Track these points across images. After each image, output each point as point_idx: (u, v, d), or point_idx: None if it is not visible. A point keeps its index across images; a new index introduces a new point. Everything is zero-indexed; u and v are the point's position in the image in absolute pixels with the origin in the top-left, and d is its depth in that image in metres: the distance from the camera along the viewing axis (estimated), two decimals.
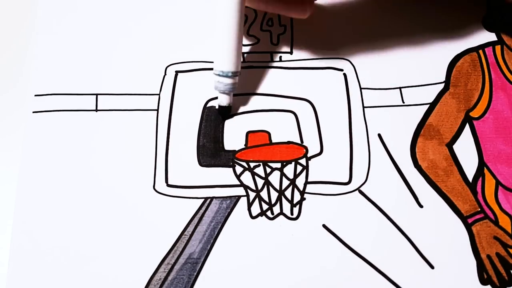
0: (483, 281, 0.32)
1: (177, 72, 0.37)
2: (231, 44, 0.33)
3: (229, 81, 0.34)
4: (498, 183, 0.35)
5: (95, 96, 0.36)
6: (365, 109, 0.37)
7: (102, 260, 0.32)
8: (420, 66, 0.38)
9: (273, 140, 0.36)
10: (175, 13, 0.39)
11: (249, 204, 0.34)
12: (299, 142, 0.36)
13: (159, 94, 0.36)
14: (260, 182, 0.34)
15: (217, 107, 0.36)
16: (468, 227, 0.34)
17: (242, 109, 0.36)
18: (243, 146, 0.35)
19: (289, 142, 0.36)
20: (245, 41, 0.38)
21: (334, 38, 0.38)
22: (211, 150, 0.35)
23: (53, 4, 0.39)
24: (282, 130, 0.36)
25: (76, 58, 0.37)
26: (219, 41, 0.34)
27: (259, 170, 0.35)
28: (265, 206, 0.34)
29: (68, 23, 0.38)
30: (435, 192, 0.34)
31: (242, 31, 0.34)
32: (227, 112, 0.36)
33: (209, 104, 0.36)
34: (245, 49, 0.38)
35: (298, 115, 0.36)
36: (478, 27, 0.39)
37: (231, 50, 0.34)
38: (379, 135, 0.36)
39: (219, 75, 0.34)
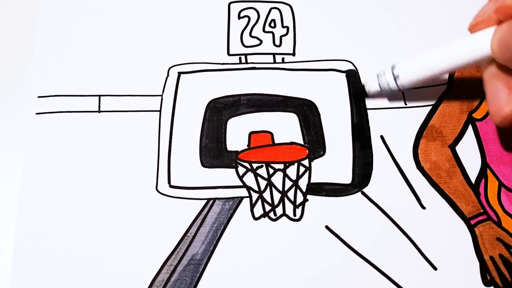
0: (486, 282, 0.32)
1: (179, 73, 0.37)
2: (428, 72, 0.33)
3: (395, 88, 0.35)
4: (501, 184, 0.35)
5: (97, 97, 0.36)
6: (367, 110, 0.37)
7: (105, 261, 0.32)
8: None
9: (276, 141, 0.36)
10: (177, 15, 0.39)
11: (252, 205, 0.34)
12: (302, 143, 0.36)
13: (161, 95, 0.36)
14: (263, 183, 0.34)
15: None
16: (471, 228, 0.34)
17: (245, 109, 0.36)
18: (246, 147, 0.35)
19: (292, 143, 0.36)
20: (248, 42, 0.38)
21: (337, 40, 0.38)
22: (213, 151, 0.35)
23: (56, 6, 0.39)
24: (285, 131, 0.36)
25: (78, 59, 0.37)
26: (427, 63, 0.33)
27: (262, 171, 0.35)
28: (267, 207, 0.34)
29: (70, 25, 0.38)
30: (438, 193, 0.34)
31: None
32: (363, 95, 0.37)
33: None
34: (248, 50, 0.38)
35: (301, 116, 0.36)
36: None
37: (423, 75, 0.33)
38: (382, 137, 0.36)
39: (395, 78, 0.34)
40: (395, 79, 0.34)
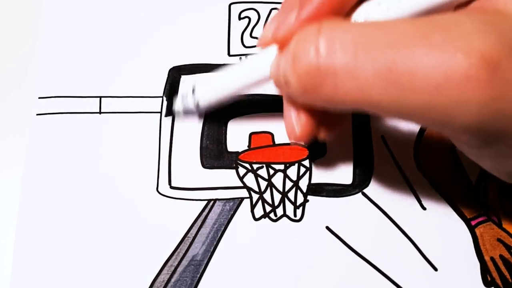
0: (486, 283, 0.32)
1: (180, 74, 0.37)
2: (223, 93, 0.31)
3: (194, 111, 0.33)
4: (501, 185, 0.35)
5: (98, 98, 0.36)
6: None
7: (105, 262, 0.32)
8: None
9: (276, 141, 0.36)
10: (178, 16, 0.39)
11: (252, 206, 0.34)
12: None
13: (162, 97, 0.36)
14: (263, 184, 0.34)
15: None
16: (472, 229, 0.34)
17: (245, 110, 0.36)
18: (246, 148, 0.35)
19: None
20: (249, 43, 0.38)
21: None
22: (214, 152, 0.35)
23: (57, 6, 0.39)
24: (285, 131, 0.36)
25: (79, 60, 0.37)
26: (221, 83, 0.31)
27: (262, 172, 0.35)
28: (268, 208, 0.34)
29: (72, 26, 0.38)
30: (439, 194, 0.34)
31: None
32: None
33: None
34: (248, 51, 0.38)
35: None
36: None
37: (219, 96, 0.31)
38: (383, 137, 0.36)
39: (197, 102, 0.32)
40: (197, 104, 0.32)
